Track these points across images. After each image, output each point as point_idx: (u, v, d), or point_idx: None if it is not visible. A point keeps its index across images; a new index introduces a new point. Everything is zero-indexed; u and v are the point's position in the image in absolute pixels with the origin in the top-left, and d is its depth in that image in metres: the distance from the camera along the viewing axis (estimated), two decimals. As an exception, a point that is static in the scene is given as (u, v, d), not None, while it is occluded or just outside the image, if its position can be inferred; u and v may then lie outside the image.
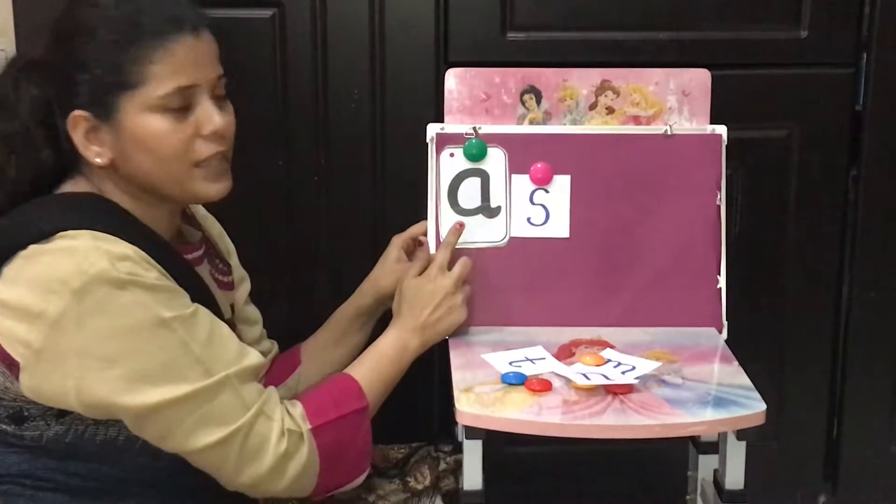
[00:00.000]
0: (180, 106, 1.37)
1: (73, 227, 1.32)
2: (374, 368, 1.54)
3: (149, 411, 1.32)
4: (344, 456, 1.46)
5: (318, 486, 1.45)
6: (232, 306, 1.62)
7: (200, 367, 1.34)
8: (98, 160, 1.39)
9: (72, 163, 1.43)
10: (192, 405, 1.33)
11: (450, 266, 1.63)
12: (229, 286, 1.62)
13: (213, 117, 1.39)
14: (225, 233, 1.70)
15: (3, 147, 1.41)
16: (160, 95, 1.35)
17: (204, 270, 1.54)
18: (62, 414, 1.35)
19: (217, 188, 1.43)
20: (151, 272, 1.34)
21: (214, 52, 1.41)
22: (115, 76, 1.35)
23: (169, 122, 1.37)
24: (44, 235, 1.32)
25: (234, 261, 1.68)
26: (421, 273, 1.62)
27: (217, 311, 1.46)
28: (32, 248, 1.32)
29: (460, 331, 1.64)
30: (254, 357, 1.42)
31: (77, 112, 1.37)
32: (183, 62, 1.36)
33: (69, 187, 1.43)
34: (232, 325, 1.52)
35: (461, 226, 1.68)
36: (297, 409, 1.44)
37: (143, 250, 1.34)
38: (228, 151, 1.45)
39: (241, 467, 1.38)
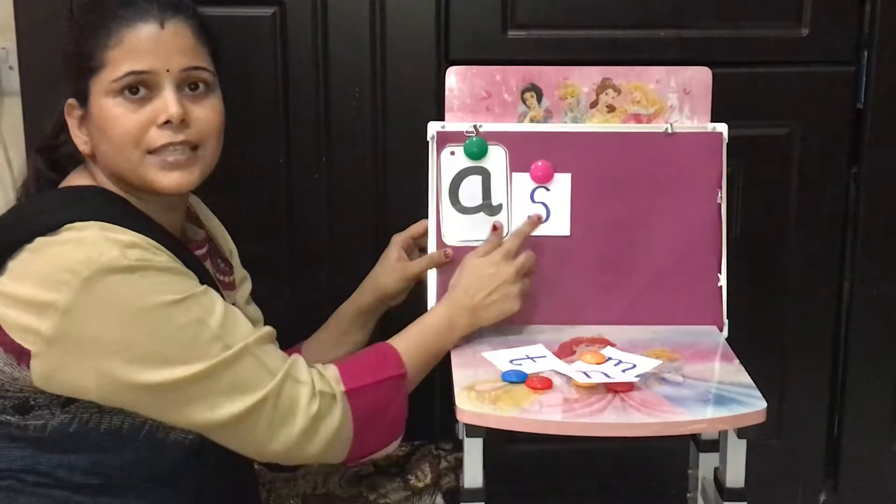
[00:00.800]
0: (139, 92, 1.39)
1: (80, 219, 1.34)
2: (417, 340, 1.54)
3: (172, 387, 1.32)
4: (378, 422, 1.46)
5: (350, 451, 1.45)
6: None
7: (219, 343, 1.35)
8: (85, 148, 1.44)
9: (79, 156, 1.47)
10: (215, 378, 1.34)
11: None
12: (231, 286, 1.62)
13: (168, 106, 1.39)
14: (227, 233, 1.70)
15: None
16: (114, 79, 1.38)
17: (207, 267, 1.54)
18: (67, 402, 1.35)
19: (170, 179, 1.41)
20: (161, 256, 1.35)
21: (186, 45, 1.41)
22: (84, 61, 1.39)
23: (124, 106, 1.38)
24: (51, 228, 1.33)
25: (236, 261, 1.69)
26: (485, 255, 1.62)
27: None
28: (39, 240, 1.33)
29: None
30: (267, 328, 1.44)
31: (70, 100, 1.43)
32: (139, 48, 1.38)
33: (73, 179, 1.45)
34: None
35: (539, 218, 1.67)
36: (331, 371, 1.45)
37: (151, 238, 1.35)
38: (199, 143, 1.43)
39: (272, 433, 1.38)
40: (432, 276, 1.69)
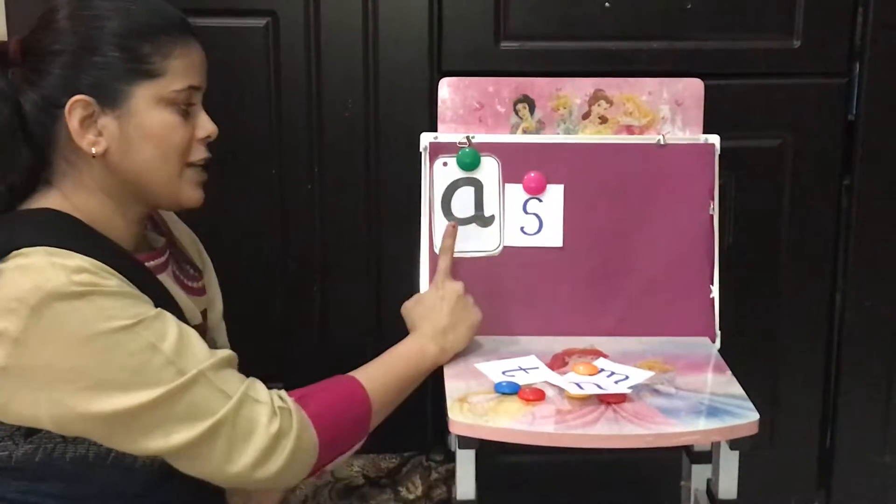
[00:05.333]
0: (186, 106, 1.41)
1: (28, 244, 1.30)
2: (382, 365, 1.53)
3: (125, 416, 1.30)
4: (340, 423, 1.44)
5: (317, 461, 1.42)
6: (204, 313, 1.61)
7: (173, 368, 1.32)
8: (93, 149, 1.37)
9: (41, 172, 1.41)
10: (169, 405, 1.31)
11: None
12: (200, 291, 1.60)
13: (206, 123, 1.43)
14: (198, 241, 1.67)
15: None
16: (175, 90, 1.38)
17: (168, 277, 1.51)
18: (30, 433, 1.33)
19: (198, 195, 1.45)
20: (111, 280, 1.32)
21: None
22: (133, 63, 1.37)
23: (177, 117, 1.40)
24: None
25: (209, 274, 1.67)
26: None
27: (182, 318, 1.43)
28: None
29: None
30: (225, 351, 1.41)
31: (79, 96, 1.35)
32: (195, 63, 1.41)
33: (35, 202, 1.41)
34: (202, 330, 1.51)
35: (454, 226, 1.67)
36: (281, 392, 1.43)
37: (101, 261, 1.33)
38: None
39: (231, 455, 1.35)
40: (424, 286, 1.69)
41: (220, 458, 1.35)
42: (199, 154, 1.44)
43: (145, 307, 1.34)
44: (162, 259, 1.51)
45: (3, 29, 1.86)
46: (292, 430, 1.38)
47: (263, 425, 1.36)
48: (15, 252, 1.30)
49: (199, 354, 1.36)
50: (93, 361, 1.29)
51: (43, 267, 1.29)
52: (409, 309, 1.62)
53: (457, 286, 1.60)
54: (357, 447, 1.49)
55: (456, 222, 1.68)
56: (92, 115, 1.37)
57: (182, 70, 1.39)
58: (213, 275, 1.67)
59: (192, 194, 1.44)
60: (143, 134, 1.39)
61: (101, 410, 1.29)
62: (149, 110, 1.38)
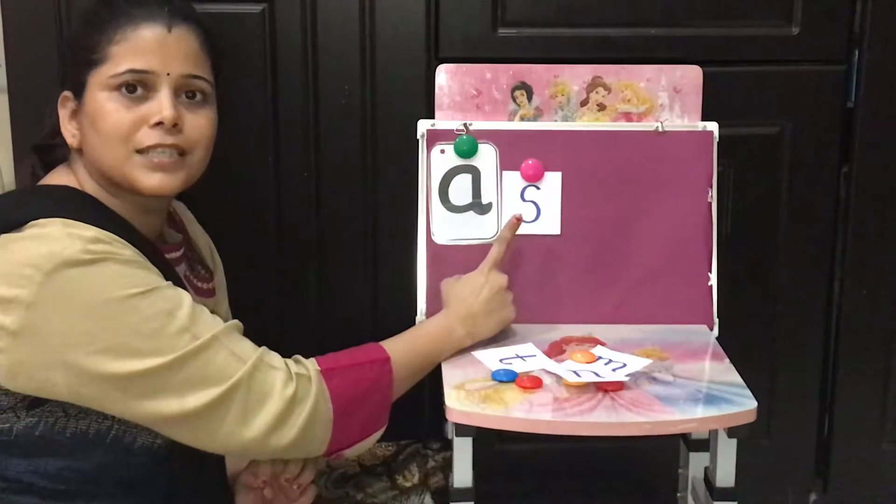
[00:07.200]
0: (136, 91, 1.39)
1: (45, 215, 1.33)
2: (408, 344, 1.53)
3: (139, 378, 1.31)
4: (360, 405, 1.44)
5: (331, 439, 1.42)
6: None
7: (187, 334, 1.33)
8: (72, 141, 1.43)
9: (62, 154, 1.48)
10: (184, 368, 1.32)
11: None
12: (210, 293, 1.61)
13: (162, 108, 1.39)
14: (212, 243, 1.69)
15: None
16: (113, 74, 1.38)
17: (179, 272, 1.52)
18: (33, 405, 1.34)
19: (153, 180, 1.40)
20: (126, 250, 1.34)
21: (189, 52, 1.42)
22: (86, 54, 1.40)
23: (119, 103, 1.39)
24: (16, 225, 1.33)
25: (219, 276, 1.67)
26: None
27: None
28: (4, 237, 1.33)
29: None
30: (233, 321, 1.43)
31: (64, 92, 1.43)
32: (143, 47, 1.39)
33: (52, 178, 1.45)
34: None
35: (519, 220, 1.66)
36: (309, 359, 1.44)
37: (116, 234, 1.35)
38: (187, 150, 1.43)
39: (245, 420, 1.36)
40: (422, 279, 1.68)
41: (234, 423, 1.36)
42: (147, 139, 1.39)
43: (158, 278, 1.36)
44: (177, 254, 1.53)
45: (1, 29, 1.85)
46: (309, 397, 1.39)
47: (278, 390, 1.37)
48: (32, 222, 1.33)
49: (213, 321, 1.38)
50: (106, 326, 1.30)
51: (59, 236, 1.31)
52: (449, 285, 1.61)
53: (502, 278, 1.60)
54: (378, 434, 1.49)
55: (521, 216, 1.67)
56: (75, 109, 1.42)
57: (123, 53, 1.38)
58: (223, 277, 1.68)
59: (144, 180, 1.40)
60: (90, 120, 1.40)
61: (116, 372, 1.30)
62: (94, 97, 1.40)
